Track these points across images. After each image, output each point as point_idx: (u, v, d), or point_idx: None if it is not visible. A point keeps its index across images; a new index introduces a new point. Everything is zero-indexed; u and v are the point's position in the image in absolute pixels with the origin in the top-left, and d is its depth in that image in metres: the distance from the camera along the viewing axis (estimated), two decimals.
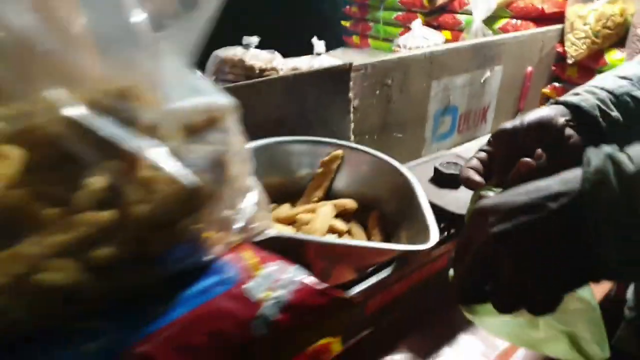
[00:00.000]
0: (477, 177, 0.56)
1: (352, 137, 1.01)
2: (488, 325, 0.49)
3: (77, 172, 0.37)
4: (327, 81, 0.92)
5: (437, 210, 0.70)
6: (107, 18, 0.35)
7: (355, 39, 2.27)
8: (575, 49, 1.40)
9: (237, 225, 0.43)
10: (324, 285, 0.42)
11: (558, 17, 1.50)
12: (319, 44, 1.27)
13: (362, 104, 1.00)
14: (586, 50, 1.38)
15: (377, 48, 2.11)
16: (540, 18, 1.55)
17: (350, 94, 0.97)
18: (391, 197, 0.76)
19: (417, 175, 0.74)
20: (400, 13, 1.99)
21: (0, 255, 0.31)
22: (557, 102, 0.59)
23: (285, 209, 0.75)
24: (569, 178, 0.38)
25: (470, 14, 1.71)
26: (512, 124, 0.57)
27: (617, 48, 1.39)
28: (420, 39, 1.52)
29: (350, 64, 0.93)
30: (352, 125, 1.00)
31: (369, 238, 0.73)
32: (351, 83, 0.96)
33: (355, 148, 0.81)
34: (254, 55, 1.19)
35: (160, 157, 0.33)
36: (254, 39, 1.23)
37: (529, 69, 1.43)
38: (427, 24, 1.85)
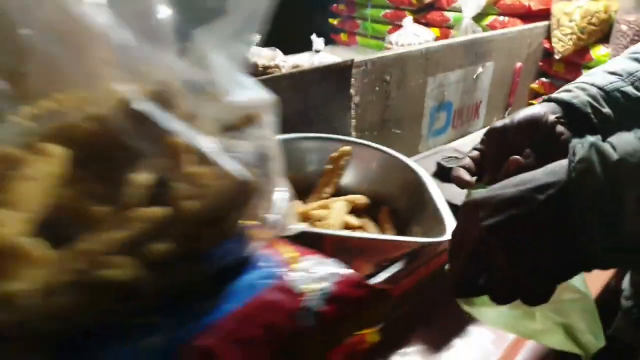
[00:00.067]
0: (467, 177, 0.58)
1: (353, 134, 1.02)
2: (485, 316, 0.49)
3: (115, 170, 0.37)
4: (330, 78, 0.93)
5: None
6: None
7: (343, 36, 2.28)
8: (562, 45, 1.43)
9: (273, 219, 0.44)
10: (362, 278, 0.43)
11: (544, 14, 1.54)
12: (318, 41, 1.27)
13: (362, 101, 1.01)
14: (572, 46, 1.42)
15: (365, 45, 2.12)
16: (527, 15, 1.58)
17: (352, 91, 0.98)
18: (400, 192, 0.77)
19: None
20: (388, 10, 2.01)
21: (61, 252, 0.31)
22: (548, 100, 0.60)
23: (298, 205, 0.75)
24: (555, 169, 0.39)
25: (458, 11, 1.73)
26: (503, 123, 0.58)
27: (602, 44, 1.43)
28: (412, 36, 1.54)
29: (352, 61, 0.94)
30: (354, 121, 1.01)
31: (381, 233, 0.74)
32: (352, 79, 0.97)
33: (362, 144, 0.82)
34: (256, 52, 1.19)
35: (213, 151, 0.33)
36: (256, 37, 1.23)
37: (518, 64, 1.46)
38: (416, 21, 1.87)
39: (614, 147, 0.36)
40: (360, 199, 0.77)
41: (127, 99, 0.32)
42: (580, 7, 1.41)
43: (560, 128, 0.56)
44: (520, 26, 1.51)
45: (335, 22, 2.32)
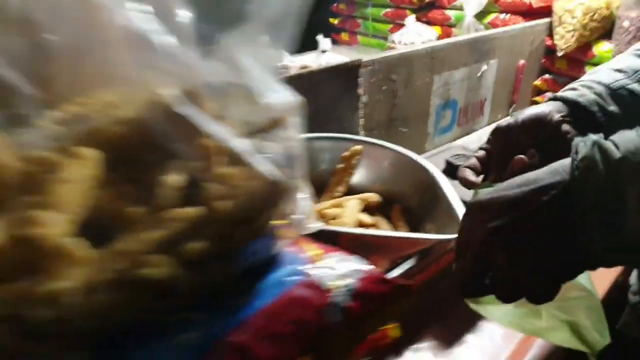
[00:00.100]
0: (473, 177, 0.59)
1: (361, 133, 1.03)
2: (492, 314, 0.50)
3: (143, 172, 0.38)
4: (339, 78, 0.94)
5: None
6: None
7: (344, 35, 2.29)
8: (564, 41, 1.44)
9: (297, 218, 0.45)
10: (385, 274, 0.44)
11: (545, 12, 1.55)
12: (324, 41, 1.28)
13: (370, 100, 1.02)
14: (575, 43, 1.43)
15: (366, 45, 2.13)
16: (528, 12, 1.59)
17: (360, 90, 0.99)
18: (413, 190, 0.78)
19: None
20: (388, 9, 2.02)
21: (102, 252, 0.31)
22: (554, 99, 0.60)
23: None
24: (558, 169, 0.39)
25: (459, 9, 1.74)
26: (507, 122, 0.59)
27: (604, 40, 1.44)
28: (415, 35, 1.54)
29: (360, 60, 0.95)
30: (362, 121, 1.02)
31: (395, 231, 0.75)
32: (361, 79, 0.98)
33: (374, 143, 0.83)
34: None
35: (248, 152, 0.34)
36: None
37: (521, 62, 1.47)
38: (417, 20, 1.88)
39: (616, 145, 0.36)
40: (373, 197, 0.78)
41: (166, 101, 0.33)
42: (582, 4, 1.42)
43: (565, 127, 0.56)
44: (522, 23, 1.52)
45: (335, 21, 2.33)
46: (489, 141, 0.61)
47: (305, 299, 0.38)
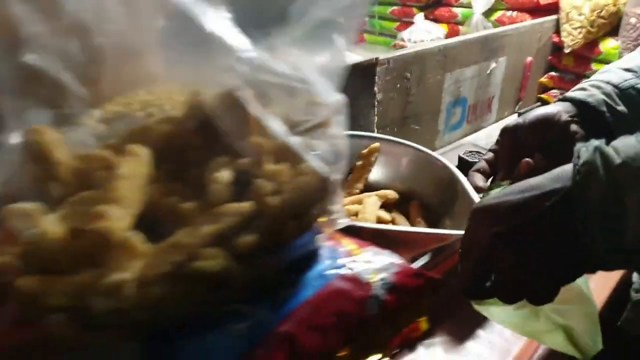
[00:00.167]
0: (481, 183, 0.60)
1: (376, 131, 1.04)
2: (494, 315, 0.52)
3: (187, 169, 0.39)
4: (356, 76, 0.95)
5: None
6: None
7: None
8: (571, 38, 1.45)
9: (334, 213, 0.46)
10: (417, 268, 0.45)
11: (551, 9, 1.56)
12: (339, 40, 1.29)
13: (384, 98, 1.03)
14: (582, 40, 1.44)
15: (373, 43, 2.14)
16: (535, 9, 1.60)
17: (375, 88, 1.00)
18: (431, 186, 0.79)
19: None
20: (395, 7, 2.02)
21: (159, 246, 0.33)
22: (563, 99, 0.60)
23: None
24: (560, 174, 0.39)
25: (466, 7, 1.75)
26: (515, 122, 0.60)
27: (611, 37, 1.46)
28: (423, 33, 1.55)
29: (377, 59, 0.96)
30: (376, 119, 1.03)
31: (414, 226, 0.76)
32: (376, 77, 0.99)
33: (392, 140, 0.84)
34: None
35: (302, 150, 0.35)
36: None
37: (529, 59, 1.48)
38: (424, 17, 1.89)
39: (617, 151, 0.36)
40: (391, 194, 0.79)
41: (231, 97, 0.34)
42: (589, 1, 1.43)
43: (574, 127, 0.57)
44: (531, 20, 1.53)
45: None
46: (497, 142, 0.62)
47: (347, 291, 0.40)
